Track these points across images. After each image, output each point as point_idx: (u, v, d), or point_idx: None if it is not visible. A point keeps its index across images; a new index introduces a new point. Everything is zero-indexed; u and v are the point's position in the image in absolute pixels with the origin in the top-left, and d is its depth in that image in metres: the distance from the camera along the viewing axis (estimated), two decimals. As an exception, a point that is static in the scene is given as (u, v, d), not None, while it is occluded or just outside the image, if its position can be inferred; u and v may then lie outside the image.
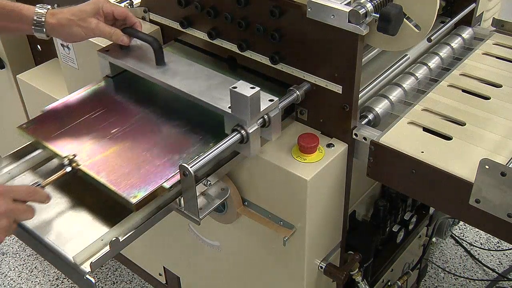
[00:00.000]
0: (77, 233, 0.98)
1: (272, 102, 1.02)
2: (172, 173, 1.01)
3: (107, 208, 1.02)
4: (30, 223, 0.98)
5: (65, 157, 1.05)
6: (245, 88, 0.97)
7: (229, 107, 1.01)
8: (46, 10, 1.14)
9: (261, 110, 1.00)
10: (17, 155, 1.12)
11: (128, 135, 1.11)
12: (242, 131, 1.00)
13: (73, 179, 1.05)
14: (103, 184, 1.00)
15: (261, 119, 1.01)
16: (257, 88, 0.97)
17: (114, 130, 1.12)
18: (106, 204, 1.03)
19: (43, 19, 1.13)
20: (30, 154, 1.13)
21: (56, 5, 1.19)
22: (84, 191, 1.06)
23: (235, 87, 0.97)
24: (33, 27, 1.14)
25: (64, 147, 1.08)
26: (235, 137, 1.00)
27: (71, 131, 1.12)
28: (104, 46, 1.24)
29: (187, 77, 1.14)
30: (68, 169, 1.04)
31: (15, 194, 0.90)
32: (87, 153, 1.06)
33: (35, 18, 1.13)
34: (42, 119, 1.16)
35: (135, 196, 0.96)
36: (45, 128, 1.13)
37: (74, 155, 1.05)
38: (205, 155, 0.97)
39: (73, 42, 1.21)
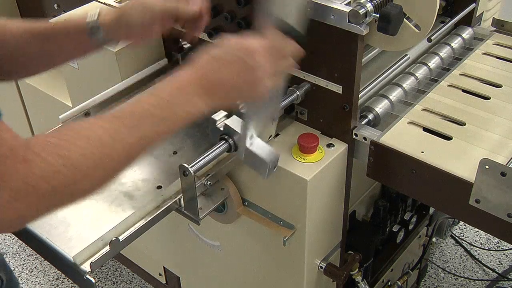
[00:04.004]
0: (77, 233, 0.98)
1: None
2: None
3: (108, 208, 1.02)
4: (30, 224, 0.98)
5: None
6: None
7: None
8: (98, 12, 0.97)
9: None
10: None
11: None
12: None
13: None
14: None
15: None
16: None
17: None
18: (107, 204, 1.03)
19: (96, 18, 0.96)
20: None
21: (56, 5, 1.19)
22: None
23: None
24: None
25: None
26: None
27: None
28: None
29: None
30: None
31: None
32: None
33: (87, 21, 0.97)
34: None
35: None
36: None
37: None
38: (206, 154, 0.97)
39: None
